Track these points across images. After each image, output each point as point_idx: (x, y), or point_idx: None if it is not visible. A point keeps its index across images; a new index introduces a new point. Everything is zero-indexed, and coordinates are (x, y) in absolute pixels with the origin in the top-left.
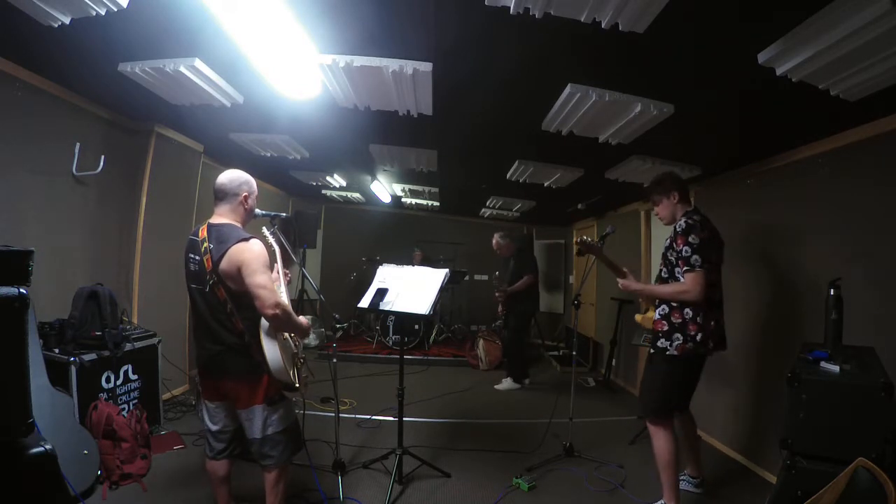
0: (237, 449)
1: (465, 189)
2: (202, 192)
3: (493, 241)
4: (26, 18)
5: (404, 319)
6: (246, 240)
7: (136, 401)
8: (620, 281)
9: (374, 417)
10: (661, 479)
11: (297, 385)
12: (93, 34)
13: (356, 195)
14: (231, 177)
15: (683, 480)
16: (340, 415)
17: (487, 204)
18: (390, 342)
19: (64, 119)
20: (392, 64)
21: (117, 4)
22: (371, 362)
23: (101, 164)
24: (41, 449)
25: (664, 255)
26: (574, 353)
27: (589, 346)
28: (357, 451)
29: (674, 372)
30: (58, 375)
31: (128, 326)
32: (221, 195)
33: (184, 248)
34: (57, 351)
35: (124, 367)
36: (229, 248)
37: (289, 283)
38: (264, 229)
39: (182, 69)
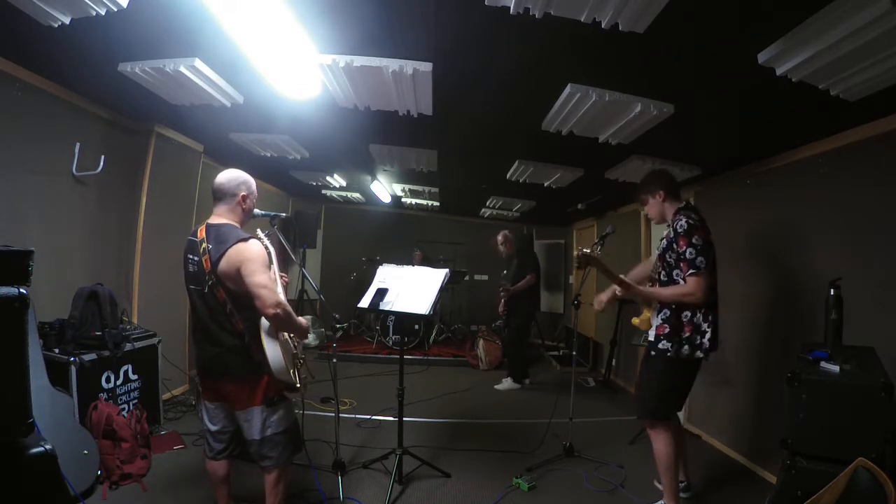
0: (236, 449)
1: (465, 189)
2: (202, 192)
3: (498, 238)
4: (26, 18)
5: (404, 319)
6: (245, 240)
7: (136, 401)
8: (619, 288)
9: (374, 417)
10: (662, 481)
11: (298, 385)
12: (93, 34)
13: (356, 195)
14: (229, 177)
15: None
16: (340, 415)
17: (487, 204)
18: (390, 342)
19: (64, 119)
20: (392, 64)
21: (117, 4)
22: (371, 362)
23: (101, 164)
24: (41, 449)
25: (661, 256)
26: (574, 353)
27: (589, 346)
28: (357, 451)
29: (672, 373)
30: (58, 375)
31: (128, 326)
32: (219, 195)
33: (182, 249)
34: (57, 351)
35: (124, 367)
36: (228, 248)
37: (286, 286)
38: (258, 231)
39: (182, 69)
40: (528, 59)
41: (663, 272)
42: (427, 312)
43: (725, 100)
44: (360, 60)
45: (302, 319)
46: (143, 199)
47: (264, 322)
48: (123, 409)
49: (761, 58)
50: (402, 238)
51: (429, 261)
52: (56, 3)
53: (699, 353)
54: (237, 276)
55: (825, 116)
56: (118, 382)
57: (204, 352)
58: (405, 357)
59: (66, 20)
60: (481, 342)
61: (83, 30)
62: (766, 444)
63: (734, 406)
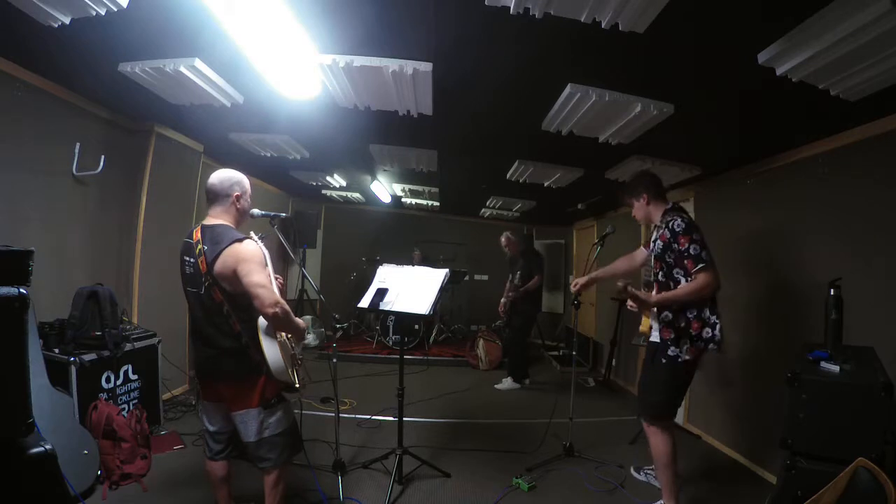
0: (235, 450)
1: (465, 189)
2: (202, 192)
3: (503, 238)
4: (26, 18)
5: (404, 319)
6: (240, 240)
7: (136, 401)
8: (644, 300)
9: (374, 417)
10: (660, 479)
11: (298, 385)
12: (93, 34)
13: (356, 195)
14: (221, 177)
15: (651, 474)
16: (340, 415)
17: (487, 204)
18: (390, 342)
19: (64, 119)
20: (392, 64)
21: (117, 4)
22: (371, 362)
23: (101, 164)
24: (41, 449)
25: (660, 257)
26: (574, 353)
27: (589, 346)
28: (357, 451)
29: (679, 375)
30: (58, 375)
31: (128, 326)
32: (213, 196)
33: (177, 252)
34: (57, 351)
35: (124, 367)
36: (223, 249)
37: (281, 287)
38: (252, 234)
39: (182, 69)
40: (528, 58)
41: (661, 273)
42: (427, 312)
43: (725, 100)
44: (360, 60)
45: (299, 320)
46: (143, 199)
47: (262, 322)
48: (123, 409)
49: (761, 58)
50: (402, 238)
51: (429, 261)
52: (56, 3)
53: (713, 346)
54: (233, 276)
55: (825, 116)
56: (118, 382)
57: (201, 354)
58: (405, 357)
59: (66, 20)
60: (481, 342)
61: (83, 30)
62: (766, 444)
63: (734, 406)
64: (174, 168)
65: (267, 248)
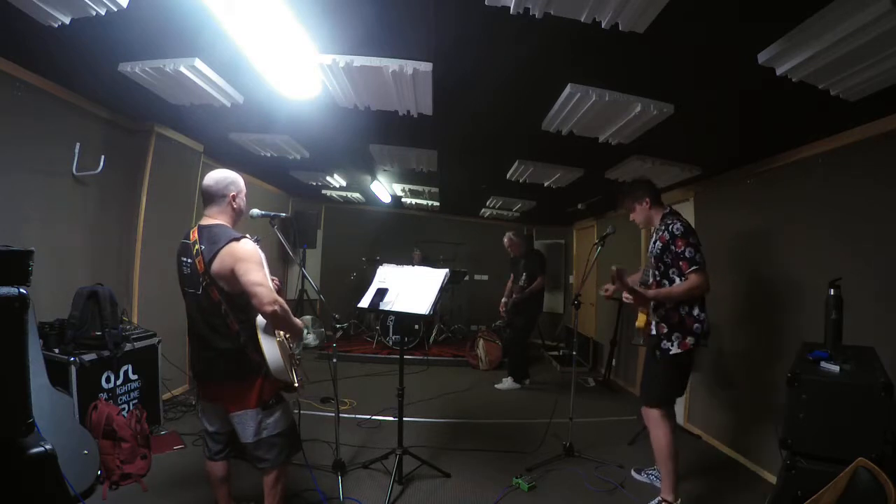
0: (234, 451)
1: (465, 189)
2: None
3: (505, 239)
4: (26, 18)
5: (404, 319)
6: (237, 239)
7: (136, 401)
8: (642, 294)
9: (374, 417)
10: (661, 472)
11: (297, 385)
12: (93, 34)
13: (356, 195)
14: (217, 178)
15: (654, 475)
16: (340, 415)
17: (487, 204)
18: (390, 342)
19: (64, 119)
20: (392, 64)
21: (117, 4)
22: (371, 362)
23: (101, 164)
24: (41, 449)
25: (658, 258)
26: (574, 353)
27: (589, 346)
28: (357, 451)
29: (676, 366)
30: (58, 375)
31: (128, 326)
32: (209, 197)
33: (175, 253)
34: (57, 351)
35: (124, 367)
36: (220, 248)
37: (277, 289)
38: (247, 237)
39: (182, 69)
40: (528, 58)
41: (658, 273)
42: (427, 312)
43: (725, 100)
44: (360, 60)
45: (297, 320)
46: (143, 199)
47: (261, 320)
48: (123, 409)
49: (761, 58)
50: (402, 238)
51: (429, 261)
52: (56, 3)
53: (702, 343)
54: (231, 276)
55: (825, 116)
56: (118, 382)
57: (198, 355)
58: (405, 357)
59: (66, 20)
60: (481, 342)
61: (83, 30)
62: (766, 444)
63: (734, 406)
64: (174, 168)
65: (263, 249)
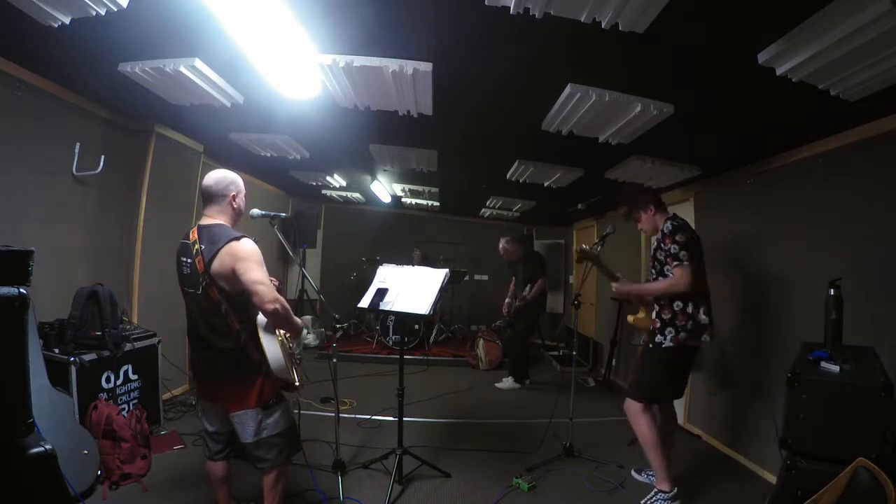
0: (234, 450)
1: (465, 189)
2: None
3: (500, 247)
4: (26, 18)
5: (404, 319)
6: (237, 239)
7: (136, 401)
8: (614, 285)
9: (374, 417)
10: (651, 462)
11: (298, 384)
12: (93, 34)
13: (356, 195)
14: (217, 178)
15: (654, 476)
16: (340, 415)
17: (487, 204)
18: (390, 342)
19: (64, 119)
20: (392, 64)
21: (117, 4)
22: (371, 362)
23: (101, 164)
24: (41, 449)
25: (653, 257)
26: (574, 353)
27: (589, 346)
28: (357, 451)
29: (668, 362)
30: (58, 375)
31: (128, 326)
32: (209, 197)
33: (175, 253)
34: (57, 351)
35: (124, 367)
36: (221, 247)
37: (277, 290)
38: (247, 237)
39: (182, 69)
40: (528, 59)
41: (654, 271)
42: (427, 312)
43: (725, 100)
44: (360, 60)
45: (297, 319)
46: (143, 199)
47: (261, 319)
48: (123, 409)
49: (761, 58)
50: (402, 238)
51: (429, 261)
52: (56, 3)
53: (693, 341)
54: (231, 275)
55: (825, 116)
56: (118, 382)
57: (198, 355)
58: (405, 357)
59: (66, 20)
60: (481, 342)
61: (83, 30)
62: (766, 444)
63: (734, 406)
64: (174, 168)
65: (262, 250)
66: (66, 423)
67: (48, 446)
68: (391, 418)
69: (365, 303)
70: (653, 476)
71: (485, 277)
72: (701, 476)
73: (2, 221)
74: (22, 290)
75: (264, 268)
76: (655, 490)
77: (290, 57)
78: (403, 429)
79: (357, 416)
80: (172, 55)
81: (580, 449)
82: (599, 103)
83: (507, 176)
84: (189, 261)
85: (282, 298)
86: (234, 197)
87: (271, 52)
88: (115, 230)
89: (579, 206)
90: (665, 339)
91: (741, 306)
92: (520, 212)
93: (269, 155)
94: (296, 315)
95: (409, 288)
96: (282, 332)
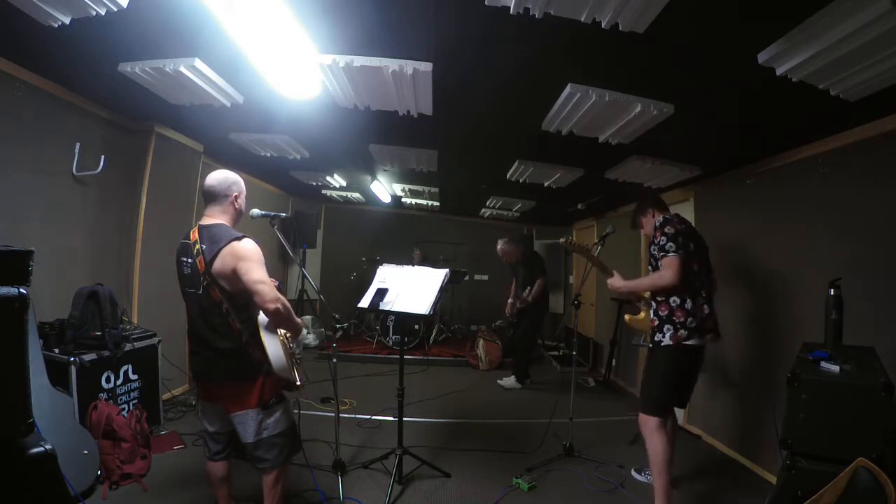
0: (235, 451)
1: (465, 189)
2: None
3: (498, 249)
4: (26, 18)
5: (404, 319)
6: (239, 238)
7: (136, 401)
8: (609, 281)
9: (374, 417)
10: (655, 482)
11: (299, 383)
12: (93, 34)
13: (356, 195)
14: (220, 178)
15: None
16: (340, 415)
17: (487, 204)
18: (390, 342)
19: (64, 119)
20: (392, 64)
21: (117, 4)
22: (371, 362)
23: (101, 164)
24: (41, 449)
25: (649, 254)
26: (574, 353)
27: (589, 346)
28: (357, 451)
29: (672, 364)
30: (58, 375)
31: (128, 326)
32: (211, 197)
33: (175, 253)
34: (57, 351)
35: (124, 367)
36: (222, 247)
37: (277, 290)
38: (248, 237)
39: (182, 69)
40: (528, 59)
41: (650, 268)
42: (427, 312)
43: (725, 100)
44: (360, 60)
45: (297, 318)
46: (143, 199)
47: (262, 318)
48: (123, 409)
49: (761, 58)
50: (402, 238)
51: (429, 261)
52: (56, 3)
53: (695, 340)
54: (232, 275)
55: (825, 116)
56: (118, 382)
57: (197, 355)
58: (405, 357)
59: (66, 20)
60: (481, 342)
61: (83, 30)
62: (767, 444)
63: (734, 406)
64: (174, 168)
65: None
66: (66, 423)
67: (48, 446)
68: (391, 418)
69: (365, 303)
70: (652, 475)
71: (485, 277)
72: (701, 476)
73: (2, 221)
74: (22, 290)
75: (265, 268)
76: None
77: (290, 57)
78: (403, 429)
79: (357, 416)
80: (172, 55)
81: (580, 449)
82: (599, 103)
83: (507, 176)
84: (190, 261)
85: (283, 298)
86: (236, 197)
87: (271, 52)
88: (114, 230)
89: (579, 206)
90: (664, 336)
91: (741, 306)
92: (520, 212)
93: (269, 155)
94: (296, 315)
95: (409, 288)
96: (282, 331)
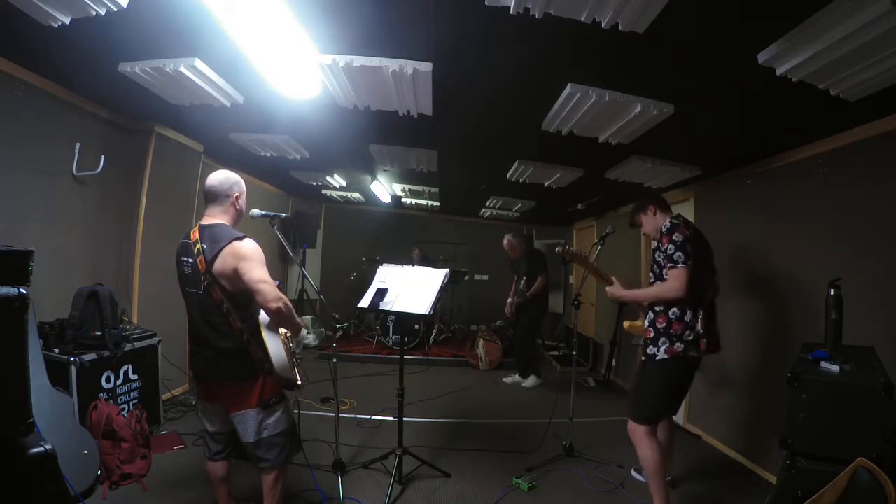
0: (235, 450)
1: (465, 189)
2: (202, 193)
3: (505, 242)
4: (26, 18)
5: (404, 319)
6: (240, 238)
7: (136, 401)
8: (608, 289)
9: (374, 417)
10: (651, 486)
11: (300, 382)
12: (93, 34)
13: (356, 195)
14: (221, 178)
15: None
16: (340, 415)
17: (487, 204)
18: (390, 342)
19: (64, 119)
20: (392, 64)
21: (117, 4)
22: (371, 362)
23: (101, 164)
24: (41, 449)
25: (652, 259)
26: (574, 353)
27: (589, 346)
28: (357, 451)
29: (667, 376)
30: (58, 375)
31: (128, 326)
32: (213, 197)
33: (175, 253)
34: (57, 351)
35: (124, 367)
36: (223, 247)
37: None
38: (249, 237)
39: (182, 69)
40: (528, 59)
41: (653, 274)
42: (427, 312)
43: (725, 100)
44: (360, 60)
45: (298, 318)
46: (143, 199)
47: (264, 317)
48: (123, 409)
49: (761, 58)
50: (402, 238)
51: (429, 261)
52: (56, 3)
53: (692, 353)
54: (233, 275)
55: (825, 116)
56: (118, 382)
57: (198, 355)
58: (405, 357)
59: (66, 20)
60: (481, 342)
61: (83, 30)
62: (766, 444)
63: (734, 406)
64: (174, 168)
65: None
66: (66, 423)
67: (48, 446)
68: (391, 418)
69: (365, 303)
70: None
71: (485, 277)
72: (701, 476)
73: (2, 221)
74: (22, 290)
75: (265, 268)
76: None
77: (290, 57)
78: (403, 429)
79: (357, 416)
80: (172, 55)
81: (580, 449)
82: (599, 103)
83: (507, 176)
84: (190, 260)
85: (284, 297)
86: (237, 198)
87: (271, 52)
88: (114, 230)
89: (579, 206)
90: (659, 350)
91: (741, 306)
92: (520, 212)
93: (269, 155)
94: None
95: (409, 288)
96: (283, 330)
